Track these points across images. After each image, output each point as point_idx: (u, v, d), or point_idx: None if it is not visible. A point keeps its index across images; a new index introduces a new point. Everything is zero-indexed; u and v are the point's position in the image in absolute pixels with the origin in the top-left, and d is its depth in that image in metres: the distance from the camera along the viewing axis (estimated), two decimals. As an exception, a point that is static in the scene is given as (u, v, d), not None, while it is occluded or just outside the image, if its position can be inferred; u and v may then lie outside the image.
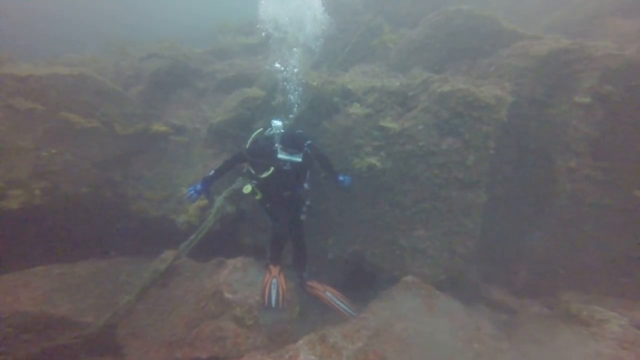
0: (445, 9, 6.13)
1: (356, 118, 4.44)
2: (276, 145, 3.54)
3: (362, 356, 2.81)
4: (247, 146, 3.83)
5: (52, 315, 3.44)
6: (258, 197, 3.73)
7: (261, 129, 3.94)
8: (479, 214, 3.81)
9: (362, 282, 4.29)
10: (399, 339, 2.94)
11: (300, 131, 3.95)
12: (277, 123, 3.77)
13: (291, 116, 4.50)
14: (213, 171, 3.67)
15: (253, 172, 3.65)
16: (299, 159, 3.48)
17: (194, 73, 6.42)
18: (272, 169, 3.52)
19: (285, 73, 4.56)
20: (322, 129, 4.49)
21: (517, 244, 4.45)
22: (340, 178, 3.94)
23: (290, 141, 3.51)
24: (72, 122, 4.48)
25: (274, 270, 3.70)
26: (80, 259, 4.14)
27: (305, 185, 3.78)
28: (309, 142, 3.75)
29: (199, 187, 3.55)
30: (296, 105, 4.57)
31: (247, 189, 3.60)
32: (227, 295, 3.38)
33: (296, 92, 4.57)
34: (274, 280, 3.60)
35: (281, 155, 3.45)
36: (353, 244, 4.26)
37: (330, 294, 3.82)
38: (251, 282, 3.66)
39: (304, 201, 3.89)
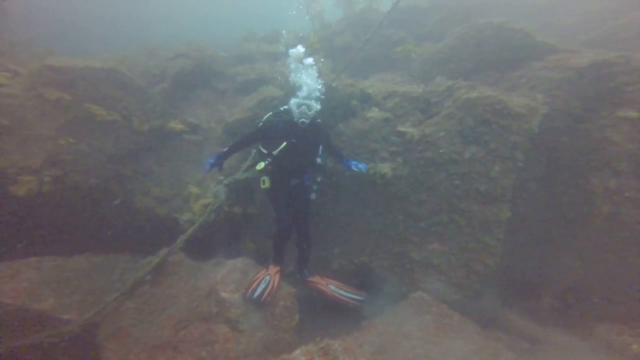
0: (475, 21, 6.07)
1: (374, 122, 4.32)
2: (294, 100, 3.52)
3: (363, 375, 2.54)
4: (261, 124, 3.77)
5: (32, 310, 3.27)
6: (265, 185, 3.61)
7: (271, 112, 3.87)
8: (501, 231, 3.48)
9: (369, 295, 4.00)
10: (405, 359, 2.64)
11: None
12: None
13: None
14: (227, 147, 3.62)
15: (265, 151, 3.59)
16: (318, 105, 3.48)
17: (216, 75, 6.62)
18: (284, 143, 3.46)
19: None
20: (337, 131, 4.39)
21: (541, 268, 4.04)
22: (353, 162, 3.71)
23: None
24: (94, 114, 4.63)
25: (272, 269, 3.56)
26: (77, 253, 4.04)
27: (318, 160, 3.64)
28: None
29: (211, 160, 3.51)
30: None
31: (260, 165, 3.52)
32: (223, 294, 3.22)
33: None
34: (267, 277, 3.46)
35: (296, 100, 3.43)
36: (360, 255, 4.01)
37: (333, 287, 3.68)
38: (249, 285, 3.50)
39: (315, 179, 3.76)
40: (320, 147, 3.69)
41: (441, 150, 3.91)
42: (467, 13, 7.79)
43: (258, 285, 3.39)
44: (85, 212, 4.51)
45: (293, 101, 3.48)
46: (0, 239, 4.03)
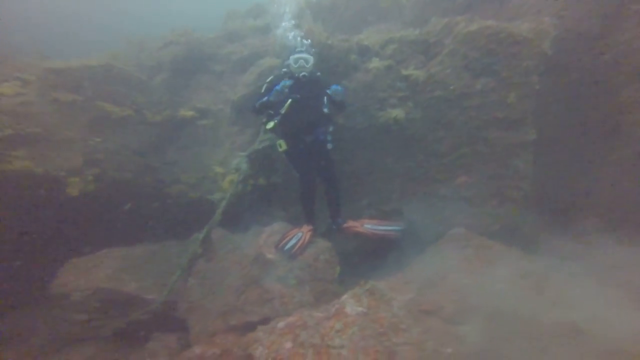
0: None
1: (376, 72, 3.98)
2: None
3: (415, 307, 2.49)
4: (263, 89, 3.63)
5: (124, 292, 3.55)
6: (283, 148, 3.52)
7: (272, 76, 3.68)
8: (529, 153, 3.25)
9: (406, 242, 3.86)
10: (453, 289, 2.57)
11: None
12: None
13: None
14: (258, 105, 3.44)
15: (272, 112, 3.49)
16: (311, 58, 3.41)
17: (209, 57, 6.16)
18: (289, 100, 3.35)
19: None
20: (342, 88, 4.06)
21: (579, 187, 3.74)
22: (333, 87, 3.40)
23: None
24: (108, 112, 4.43)
25: (305, 228, 3.51)
26: (134, 243, 4.15)
27: (325, 110, 3.49)
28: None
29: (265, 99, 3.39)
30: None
31: (270, 124, 3.43)
32: (268, 256, 3.22)
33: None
34: (299, 234, 3.42)
35: (294, 56, 3.38)
36: (389, 202, 3.88)
37: (369, 226, 3.60)
38: (289, 244, 3.44)
39: (327, 129, 3.59)
40: (325, 98, 3.51)
41: (451, 87, 3.61)
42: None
43: (289, 240, 3.37)
44: (126, 206, 4.45)
45: (291, 57, 3.40)
46: (70, 237, 4.12)
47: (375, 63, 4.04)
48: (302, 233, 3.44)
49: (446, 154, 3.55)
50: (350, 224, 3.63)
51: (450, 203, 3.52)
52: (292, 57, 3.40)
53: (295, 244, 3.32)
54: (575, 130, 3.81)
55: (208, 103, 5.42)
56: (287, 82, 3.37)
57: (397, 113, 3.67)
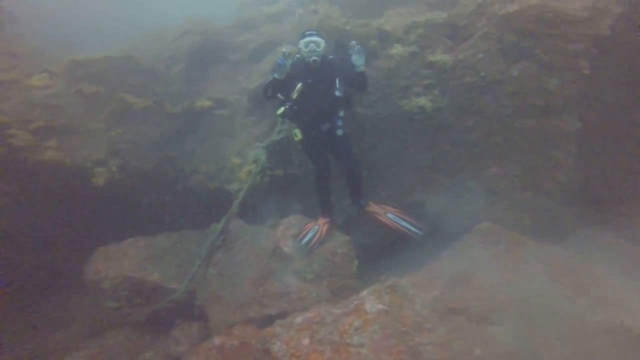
0: None
1: (399, 59, 3.70)
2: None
3: (441, 305, 2.32)
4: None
5: (149, 281, 3.63)
6: (298, 137, 3.33)
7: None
8: (571, 143, 2.90)
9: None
10: (482, 288, 2.37)
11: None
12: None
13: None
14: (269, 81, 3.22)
15: (283, 97, 3.29)
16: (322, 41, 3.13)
17: (225, 47, 6.02)
18: (299, 84, 3.14)
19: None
20: (363, 75, 3.82)
21: (628, 180, 3.36)
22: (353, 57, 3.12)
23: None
24: (130, 103, 4.44)
25: (321, 221, 3.39)
26: (156, 232, 4.20)
27: (337, 93, 3.20)
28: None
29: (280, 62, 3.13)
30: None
31: (280, 110, 3.25)
32: (286, 249, 3.17)
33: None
34: (316, 227, 3.31)
35: (304, 39, 3.12)
36: (411, 194, 3.65)
37: (392, 215, 3.41)
38: (307, 238, 3.34)
39: (338, 114, 3.32)
40: (337, 80, 3.24)
41: (482, 73, 3.31)
42: None
43: (306, 234, 3.28)
44: (148, 195, 4.49)
45: (301, 41, 3.16)
46: (97, 225, 4.23)
47: (397, 49, 3.76)
48: (319, 226, 3.33)
49: (476, 143, 3.26)
50: (374, 208, 3.45)
51: (478, 195, 3.26)
52: (302, 41, 3.16)
53: (312, 237, 3.22)
54: (624, 116, 3.34)
55: (225, 93, 5.32)
56: (290, 61, 3.18)
57: (424, 102, 3.40)
